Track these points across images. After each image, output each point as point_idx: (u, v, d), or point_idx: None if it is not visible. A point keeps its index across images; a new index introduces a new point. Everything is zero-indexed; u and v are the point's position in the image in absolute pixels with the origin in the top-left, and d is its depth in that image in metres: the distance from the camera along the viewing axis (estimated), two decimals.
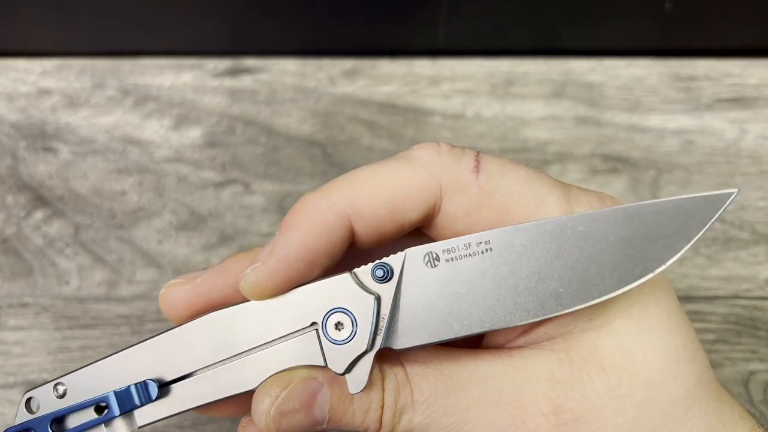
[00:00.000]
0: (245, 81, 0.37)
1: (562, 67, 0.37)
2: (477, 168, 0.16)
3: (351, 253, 0.17)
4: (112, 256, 0.31)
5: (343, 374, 0.16)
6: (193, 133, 0.35)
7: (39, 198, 0.33)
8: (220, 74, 0.37)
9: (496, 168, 0.16)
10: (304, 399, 0.16)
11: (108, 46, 0.38)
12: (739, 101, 0.36)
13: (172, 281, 0.18)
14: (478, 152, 0.17)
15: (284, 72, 0.37)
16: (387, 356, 0.16)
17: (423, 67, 0.37)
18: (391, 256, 0.16)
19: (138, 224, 0.32)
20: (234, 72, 0.37)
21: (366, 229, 0.16)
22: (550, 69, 0.37)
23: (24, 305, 0.30)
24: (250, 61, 0.37)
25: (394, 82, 0.36)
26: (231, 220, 0.32)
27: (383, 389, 0.15)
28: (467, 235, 0.16)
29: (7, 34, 0.38)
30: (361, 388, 0.16)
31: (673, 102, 0.36)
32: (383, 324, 0.16)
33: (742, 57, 0.37)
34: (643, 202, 0.16)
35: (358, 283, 0.16)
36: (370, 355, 0.16)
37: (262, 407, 0.16)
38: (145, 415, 0.18)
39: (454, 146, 0.17)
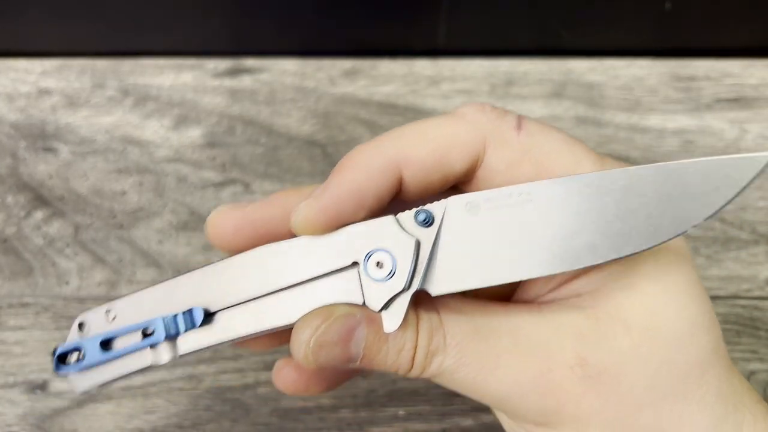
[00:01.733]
0: (245, 81, 0.37)
1: (562, 67, 0.37)
2: (519, 126, 0.17)
3: (396, 204, 0.17)
4: (112, 256, 0.31)
5: (380, 311, 0.16)
6: (193, 133, 0.35)
7: (39, 198, 0.33)
8: (220, 74, 0.37)
9: (537, 128, 0.17)
10: (343, 333, 0.16)
11: (108, 46, 0.38)
12: (738, 101, 0.36)
13: (221, 207, 0.18)
14: (520, 115, 0.18)
15: (284, 72, 0.37)
16: (422, 302, 0.16)
17: (423, 67, 0.37)
18: (434, 203, 0.16)
19: (138, 224, 0.32)
20: (234, 72, 0.37)
21: (413, 178, 0.17)
22: (550, 69, 0.37)
23: (24, 305, 0.30)
24: (250, 61, 0.37)
25: (394, 82, 0.36)
26: None
27: (417, 331, 0.16)
28: (508, 186, 0.16)
29: (8, 35, 0.38)
30: (396, 327, 0.16)
31: (672, 102, 0.36)
32: (422, 267, 0.16)
33: (741, 57, 0.37)
34: (682, 161, 0.16)
35: (400, 226, 0.16)
36: (407, 295, 0.16)
37: (303, 337, 0.16)
38: (188, 342, 0.18)
39: (497, 107, 0.18)
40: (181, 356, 0.18)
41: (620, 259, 0.16)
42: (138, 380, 0.28)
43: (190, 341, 0.18)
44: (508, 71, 0.37)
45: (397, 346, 0.16)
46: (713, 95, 0.36)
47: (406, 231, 0.16)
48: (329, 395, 0.28)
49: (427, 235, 0.16)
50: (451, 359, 0.16)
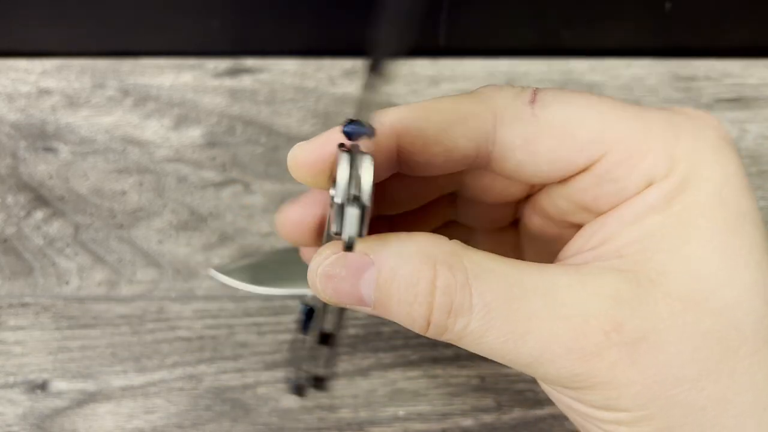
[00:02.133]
0: (245, 81, 0.37)
1: (563, 67, 0.37)
2: (533, 99, 0.16)
3: (404, 179, 0.17)
4: (112, 256, 0.31)
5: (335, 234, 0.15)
6: (193, 133, 0.35)
7: (39, 198, 0.33)
8: (220, 74, 0.37)
9: (554, 97, 0.16)
10: (351, 269, 0.15)
11: (108, 46, 0.38)
12: (738, 101, 0.36)
13: (283, 209, 0.18)
14: (537, 88, 0.16)
15: (284, 72, 0.37)
16: (443, 258, 0.15)
17: (423, 67, 0.37)
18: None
19: (138, 224, 0.32)
20: (234, 72, 0.37)
21: (411, 146, 0.16)
22: (551, 69, 0.37)
23: (24, 305, 0.30)
24: (250, 62, 0.37)
25: (394, 82, 0.36)
26: (231, 220, 0.32)
27: (434, 287, 0.14)
28: None
29: (8, 35, 0.38)
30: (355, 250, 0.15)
31: (673, 102, 0.36)
32: (360, 178, 0.15)
33: (742, 57, 0.37)
34: None
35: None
36: (353, 208, 0.14)
37: (312, 265, 0.15)
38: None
39: (517, 86, 0.16)
40: None
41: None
42: (138, 380, 0.28)
43: None
44: (508, 71, 0.37)
45: (408, 297, 0.15)
46: (713, 95, 0.36)
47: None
48: (329, 395, 0.28)
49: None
50: (478, 322, 0.14)
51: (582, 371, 0.14)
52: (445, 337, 0.15)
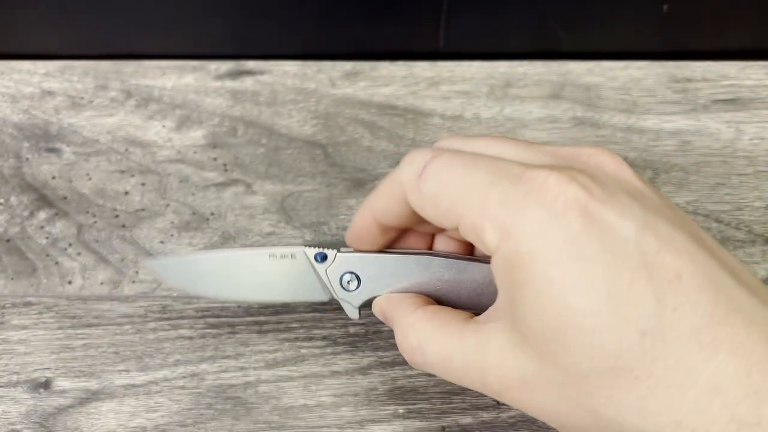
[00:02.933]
0: (247, 83, 0.37)
1: (560, 68, 0.37)
2: (420, 174, 0.20)
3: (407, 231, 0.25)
4: (114, 256, 0.32)
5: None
6: (195, 134, 0.35)
7: (42, 198, 0.33)
8: (221, 76, 0.37)
9: (434, 172, 0.20)
10: (379, 313, 0.25)
11: (111, 49, 0.38)
12: (735, 102, 0.36)
13: (349, 233, 0.25)
14: (435, 155, 0.20)
15: (285, 74, 0.37)
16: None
17: (422, 68, 0.37)
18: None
19: (140, 224, 0.33)
20: (235, 74, 0.37)
21: (384, 220, 0.23)
22: (549, 70, 0.37)
23: (27, 304, 0.30)
24: (251, 63, 0.37)
25: (394, 83, 0.37)
26: (233, 220, 0.33)
27: (403, 345, 0.23)
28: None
29: (11, 37, 0.38)
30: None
31: (670, 103, 0.36)
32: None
33: (738, 59, 0.37)
34: None
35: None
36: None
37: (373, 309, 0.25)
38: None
39: (420, 151, 0.21)
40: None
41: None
42: (140, 379, 0.29)
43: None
44: (506, 72, 0.37)
45: (400, 345, 0.23)
46: (710, 96, 0.36)
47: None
48: (330, 394, 0.28)
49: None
50: (427, 357, 0.22)
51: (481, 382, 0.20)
52: (420, 368, 0.23)
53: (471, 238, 0.19)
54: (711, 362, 0.16)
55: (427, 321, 0.22)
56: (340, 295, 0.25)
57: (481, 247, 0.19)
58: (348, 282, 0.25)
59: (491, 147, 0.21)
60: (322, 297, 0.26)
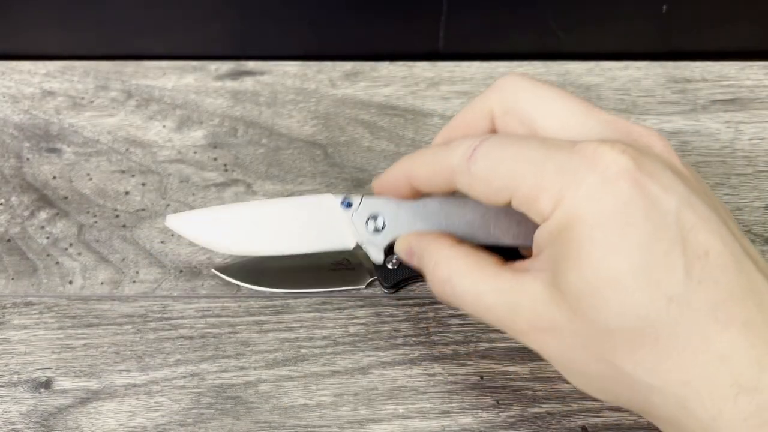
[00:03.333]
0: (247, 83, 0.37)
1: (560, 68, 0.37)
2: (470, 156, 0.21)
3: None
4: (115, 256, 0.32)
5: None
6: (196, 134, 0.35)
7: (43, 198, 0.33)
8: (222, 76, 0.37)
9: (484, 153, 0.21)
10: (405, 253, 0.26)
11: (111, 49, 0.38)
12: (734, 102, 0.36)
13: (377, 180, 0.26)
14: (484, 139, 0.22)
15: (285, 74, 0.37)
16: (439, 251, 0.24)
17: (422, 69, 0.37)
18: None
19: (141, 224, 0.33)
20: (236, 74, 0.37)
21: (419, 186, 0.24)
22: (548, 70, 0.37)
23: (28, 304, 0.31)
24: (251, 64, 0.38)
25: (394, 83, 0.37)
26: None
27: (434, 275, 0.24)
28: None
29: (12, 37, 0.38)
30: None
31: (669, 103, 0.36)
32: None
33: (737, 59, 0.37)
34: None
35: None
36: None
37: (396, 244, 0.27)
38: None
39: (468, 137, 0.22)
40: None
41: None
42: (141, 378, 0.29)
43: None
44: (506, 73, 0.37)
45: (428, 274, 0.24)
46: (709, 97, 0.36)
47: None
48: (330, 393, 0.28)
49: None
50: (457, 288, 0.23)
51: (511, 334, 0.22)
52: (442, 296, 0.24)
53: (524, 209, 0.21)
54: (724, 334, 0.18)
55: (462, 257, 0.23)
56: (365, 238, 0.26)
57: (534, 216, 0.21)
58: (373, 225, 0.26)
59: (555, 102, 0.22)
60: (349, 244, 0.27)
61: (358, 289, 0.30)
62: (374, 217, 0.26)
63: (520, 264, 0.22)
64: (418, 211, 0.26)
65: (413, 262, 0.26)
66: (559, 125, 0.22)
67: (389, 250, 0.27)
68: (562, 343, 0.20)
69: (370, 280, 0.30)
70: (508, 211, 0.22)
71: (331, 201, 0.26)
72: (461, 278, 0.22)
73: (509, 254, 0.24)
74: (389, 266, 0.29)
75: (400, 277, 0.30)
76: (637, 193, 0.19)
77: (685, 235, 0.18)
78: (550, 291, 0.20)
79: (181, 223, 0.27)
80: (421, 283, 0.31)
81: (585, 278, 0.19)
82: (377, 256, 0.27)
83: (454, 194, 0.25)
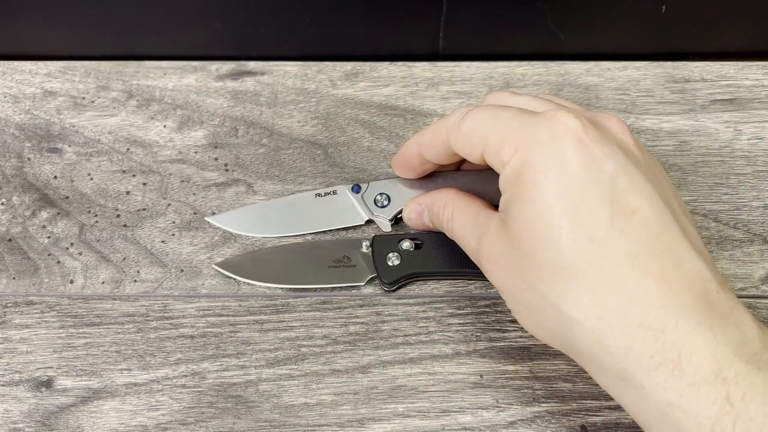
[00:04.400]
0: (248, 83, 0.37)
1: (559, 68, 0.37)
2: (463, 118, 0.25)
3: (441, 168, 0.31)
4: (116, 255, 0.32)
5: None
6: (196, 134, 0.35)
7: (44, 198, 0.34)
8: (222, 76, 0.37)
9: (471, 114, 0.25)
10: (416, 213, 0.30)
11: (112, 49, 0.39)
12: (733, 102, 0.36)
13: (394, 161, 0.31)
14: (476, 106, 0.26)
15: (286, 74, 0.37)
16: (448, 200, 0.28)
17: (422, 69, 0.37)
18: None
19: (142, 224, 0.33)
20: (236, 74, 0.37)
21: (427, 155, 0.29)
22: (548, 71, 0.37)
23: (29, 303, 0.31)
24: (252, 64, 0.38)
25: (394, 84, 0.37)
26: None
27: (442, 214, 0.28)
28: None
29: (13, 38, 0.39)
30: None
31: (668, 103, 0.36)
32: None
33: (736, 59, 0.37)
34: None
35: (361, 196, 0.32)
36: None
37: (404, 212, 0.31)
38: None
39: (468, 106, 0.26)
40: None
41: None
42: (142, 377, 0.29)
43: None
44: (505, 73, 0.37)
45: (437, 220, 0.29)
46: (708, 96, 0.36)
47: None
48: (330, 392, 0.28)
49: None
50: (455, 227, 0.27)
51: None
52: (450, 236, 0.28)
53: (491, 160, 0.24)
54: (637, 280, 0.21)
55: (461, 198, 0.28)
56: (374, 212, 0.31)
57: (498, 165, 0.24)
58: (380, 201, 0.32)
59: (529, 102, 0.26)
60: (361, 220, 0.32)
61: (358, 286, 0.30)
62: (380, 195, 0.32)
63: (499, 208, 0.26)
64: (421, 184, 0.31)
65: (422, 220, 0.30)
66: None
67: (395, 222, 0.32)
68: (504, 272, 0.24)
69: (370, 277, 0.30)
70: (491, 178, 0.26)
71: (343, 188, 0.32)
72: (458, 215, 0.27)
73: None
74: (389, 264, 0.30)
75: (400, 274, 0.30)
76: (579, 149, 0.22)
77: (616, 193, 0.22)
78: (500, 226, 0.24)
79: (222, 219, 0.32)
80: (420, 282, 0.31)
81: (524, 214, 0.22)
82: (385, 226, 0.32)
83: (453, 175, 0.31)
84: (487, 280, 0.30)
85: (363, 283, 0.30)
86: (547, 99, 0.27)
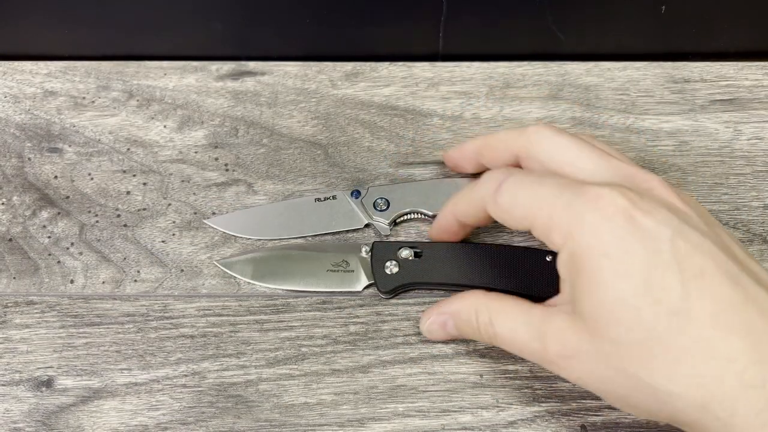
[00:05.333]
0: (248, 83, 0.37)
1: (559, 69, 0.37)
2: (497, 189, 0.25)
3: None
4: (116, 255, 0.32)
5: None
6: (197, 134, 0.35)
7: (44, 198, 0.34)
8: (223, 77, 0.37)
9: (508, 186, 0.25)
10: (439, 324, 0.28)
11: (112, 49, 0.39)
12: (733, 102, 0.36)
13: (449, 149, 0.33)
14: (509, 175, 0.25)
15: (286, 74, 0.37)
16: (480, 305, 0.27)
17: (422, 69, 0.37)
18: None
19: (142, 224, 0.33)
20: (237, 74, 0.37)
21: (466, 222, 0.28)
22: (547, 71, 0.37)
23: (30, 303, 0.31)
24: (252, 64, 0.38)
25: (394, 84, 0.37)
26: None
27: (477, 322, 0.26)
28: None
29: (13, 38, 0.39)
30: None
31: (668, 103, 0.36)
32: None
33: (736, 59, 0.38)
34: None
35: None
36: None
37: (422, 326, 0.29)
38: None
39: (496, 171, 0.26)
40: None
41: None
42: (142, 377, 0.29)
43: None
44: (505, 73, 0.37)
45: (469, 328, 0.27)
46: (708, 97, 0.36)
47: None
48: (330, 392, 0.28)
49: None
50: (497, 338, 0.26)
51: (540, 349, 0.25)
52: (488, 342, 0.27)
53: (541, 238, 0.24)
54: (726, 340, 0.21)
55: (497, 299, 0.26)
56: (373, 217, 0.31)
57: (550, 245, 0.24)
58: (380, 205, 0.32)
59: (570, 150, 0.26)
60: (360, 223, 0.32)
61: (355, 292, 0.30)
62: (380, 199, 0.32)
63: (550, 301, 0.25)
64: (419, 189, 0.32)
65: (445, 331, 0.28)
66: (573, 169, 0.26)
67: (394, 223, 0.32)
68: (586, 365, 0.23)
69: (368, 284, 0.30)
70: None
71: (342, 194, 0.32)
72: (500, 316, 0.26)
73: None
74: (387, 271, 0.30)
75: (397, 283, 0.30)
76: (632, 226, 0.22)
77: (680, 259, 0.22)
78: (572, 319, 0.23)
79: (220, 221, 0.32)
80: (418, 290, 0.31)
81: (597, 301, 0.22)
82: (384, 230, 0.32)
83: None
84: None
85: (360, 290, 0.30)
86: (592, 150, 0.26)
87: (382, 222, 0.31)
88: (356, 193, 0.32)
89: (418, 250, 0.30)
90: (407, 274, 0.30)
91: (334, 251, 0.31)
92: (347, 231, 0.32)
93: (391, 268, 0.30)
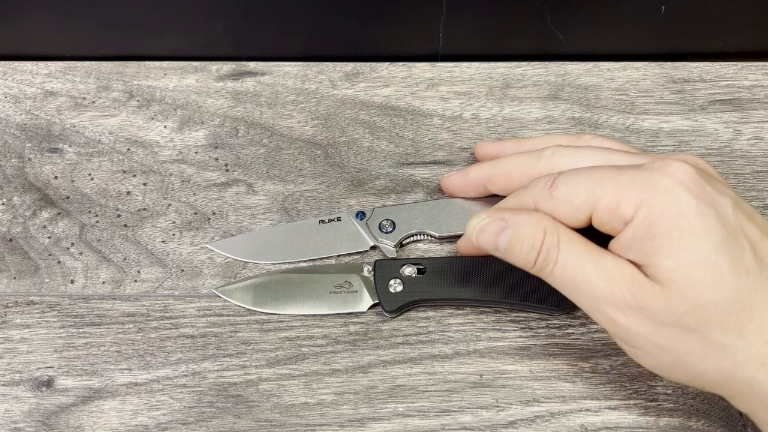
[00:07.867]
0: (248, 83, 0.37)
1: (559, 69, 0.37)
2: (551, 185, 0.25)
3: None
4: (117, 255, 0.32)
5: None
6: (197, 135, 0.36)
7: (45, 198, 0.34)
8: (223, 77, 0.37)
9: (563, 180, 0.25)
10: (496, 228, 0.26)
11: (113, 50, 0.39)
12: (732, 103, 0.36)
13: (448, 174, 0.32)
14: (559, 173, 0.26)
15: (286, 74, 0.37)
16: (549, 226, 0.26)
17: (422, 69, 0.37)
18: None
19: (143, 224, 0.33)
20: (237, 75, 0.37)
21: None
22: (547, 71, 0.37)
23: (30, 303, 0.31)
24: (252, 64, 0.38)
25: (394, 84, 0.37)
26: (234, 219, 0.33)
27: (542, 243, 0.25)
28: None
29: (13, 38, 0.39)
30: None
31: (667, 103, 0.36)
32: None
33: (736, 59, 0.38)
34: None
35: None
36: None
37: (473, 222, 0.27)
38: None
39: (547, 177, 0.26)
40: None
41: None
42: (142, 377, 0.29)
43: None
44: (505, 73, 0.37)
45: (527, 248, 0.25)
46: (708, 97, 0.36)
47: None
48: (330, 392, 0.28)
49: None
50: (559, 268, 0.25)
51: (631, 295, 0.24)
52: (540, 273, 0.25)
53: (606, 219, 0.24)
54: None
55: (565, 229, 0.25)
56: (379, 238, 0.31)
57: (617, 222, 0.24)
58: (385, 227, 0.31)
59: (597, 157, 0.27)
60: (365, 246, 0.31)
61: (359, 313, 0.30)
62: (386, 221, 0.31)
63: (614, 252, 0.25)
64: (423, 210, 0.32)
65: (496, 240, 0.26)
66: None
67: (400, 244, 0.32)
68: (654, 321, 0.23)
69: (372, 304, 0.30)
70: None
71: (347, 216, 0.32)
72: (570, 244, 0.25)
73: None
74: (391, 290, 0.29)
75: (402, 302, 0.29)
76: (702, 191, 0.23)
77: (741, 226, 0.23)
78: (642, 275, 0.24)
79: (224, 246, 0.32)
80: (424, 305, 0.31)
81: (680, 261, 0.23)
82: (390, 252, 0.31)
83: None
84: (487, 308, 0.30)
85: (365, 310, 0.30)
86: (611, 151, 0.27)
87: (388, 244, 0.31)
88: (361, 215, 0.31)
89: (421, 267, 0.30)
90: (412, 292, 0.29)
91: (335, 272, 0.30)
92: (352, 254, 0.31)
93: (396, 286, 0.29)
